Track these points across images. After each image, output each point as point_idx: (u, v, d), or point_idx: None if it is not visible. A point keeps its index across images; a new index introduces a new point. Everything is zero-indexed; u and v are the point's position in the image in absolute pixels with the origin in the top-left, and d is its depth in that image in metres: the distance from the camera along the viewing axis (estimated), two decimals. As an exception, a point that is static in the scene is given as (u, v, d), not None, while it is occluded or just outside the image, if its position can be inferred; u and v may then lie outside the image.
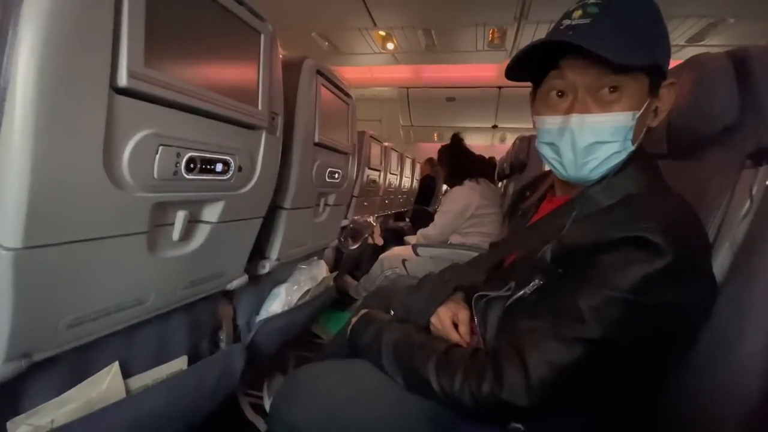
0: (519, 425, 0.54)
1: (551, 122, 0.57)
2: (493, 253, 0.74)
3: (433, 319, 0.69)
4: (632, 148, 0.55)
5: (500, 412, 0.51)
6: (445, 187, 5.36)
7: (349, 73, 4.56)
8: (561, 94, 0.56)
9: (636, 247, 0.46)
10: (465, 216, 1.91)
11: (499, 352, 0.52)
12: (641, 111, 0.53)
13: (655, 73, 0.53)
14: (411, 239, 1.96)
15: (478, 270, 0.75)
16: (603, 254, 0.48)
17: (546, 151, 0.60)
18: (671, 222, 0.47)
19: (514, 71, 0.59)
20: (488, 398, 0.49)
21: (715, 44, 2.89)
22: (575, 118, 0.54)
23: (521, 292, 0.56)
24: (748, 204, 0.58)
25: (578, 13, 0.52)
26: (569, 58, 0.53)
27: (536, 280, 0.55)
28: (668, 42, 0.54)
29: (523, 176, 2.17)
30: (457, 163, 2.06)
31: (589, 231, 0.51)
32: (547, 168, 0.67)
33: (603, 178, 0.56)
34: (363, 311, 0.75)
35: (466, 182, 1.98)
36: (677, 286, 0.46)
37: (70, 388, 0.54)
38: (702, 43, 2.90)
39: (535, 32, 2.96)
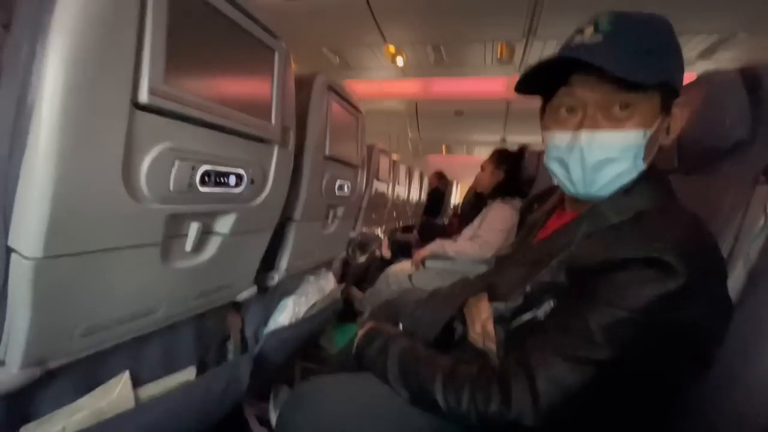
0: None
1: (560, 138, 0.56)
2: (501, 268, 0.74)
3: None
4: (644, 166, 0.55)
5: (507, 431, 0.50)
6: (453, 199, 5.38)
7: (358, 86, 4.62)
8: (571, 110, 0.56)
9: (648, 267, 0.45)
10: (511, 237, 1.79)
11: (507, 370, 0.51)
12: (653, 129, 0.52)
13: (668, 91, 0.53)
14: (422, 252, 1.90)
15: (486, 284, 0.75)
16: (614, 274, 0.47)
17: (555, 168, 0.59)
18: (684, 242, 0.46)
19: (523, 86, 0.59)
20: (495, 418, 0.48)
21: (726, 59, 2.88)
22: (585, 135, 0.53)
23: (532, 314, 0.55)
24: (762, 221, 0.57)
25: (590, 30, 0.52)
26: (580, 74, 0.53)
27: (549, 302, 0.54)
28: (681, 60, 0.54)
29: (531, 191, 2.15)
30: (516, 176, 1.91)
31: (600, 249, 0.51)
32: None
33: (614, 195, 0.56)
34: (369, 324, 0.74)
35: (514, 201, 1.84)
36: (690, 307, 0.45)
37: (81, 396, 0.55)
38: (712, 58, 2.89)
39: (543, 48, 2.99)
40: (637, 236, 0.49)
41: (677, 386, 0.53)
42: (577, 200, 0.62)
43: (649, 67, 0.48)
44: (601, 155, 0.53)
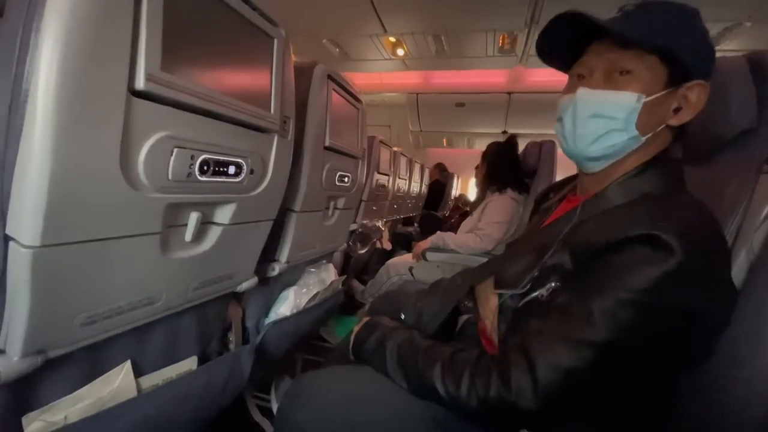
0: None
1: (563, 99, 0.60)
2: (509, 255, 0.74)
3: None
4: (636, 133, 0.54)
5: (508, 416, 0.50)
6: (454, 191, 5.37)
7: (359, 79, 4.59)
8: (580, 77, 0.58)
9: (649, 246, 0.45)
10: (511, 228, 1.82)
11: (506, 355, 0.51)
12: (651, 97, 0.53)
13: (678, 68, 0.53)
14: (422, 245, 1.90)
15: (490, 273, 0.75)
16: (616, 254, 0.47)
17: (556, 127, 0.62)
18: (687, 223, 0.46)
19: (548, 56, 0.62)
20: (496, 403, 0.49)
21: (731, 49, 2.85)
22: (581, 91, 0.56)
23: (536, 294, 0.55)
24: (766, 211, 0.56)
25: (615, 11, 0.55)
26: (594, 45, 0.56)
27: (553, 283, 0.54)
28: (705, 46, 0.54)
29: (533, 182, 2.14)
30: (507, 167, 1.94)
31: (604, 229, 0.51)
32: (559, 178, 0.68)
33: (621, 178, 0.57)
34: (365, 318, 0.74)
35: (509, 191, 1.86)
36: (691, 288, 0.45)
37: (83, 385, 0.55)
38: (718, 47, 2.84)
39: (545, 38, 2.95)
40: (641, 216, 0.49)
41: (678, 371, 0.53)
42: (588, 184, 0.62)
43: (658, 35, 0.50)
44: (592, 110, 0.55)
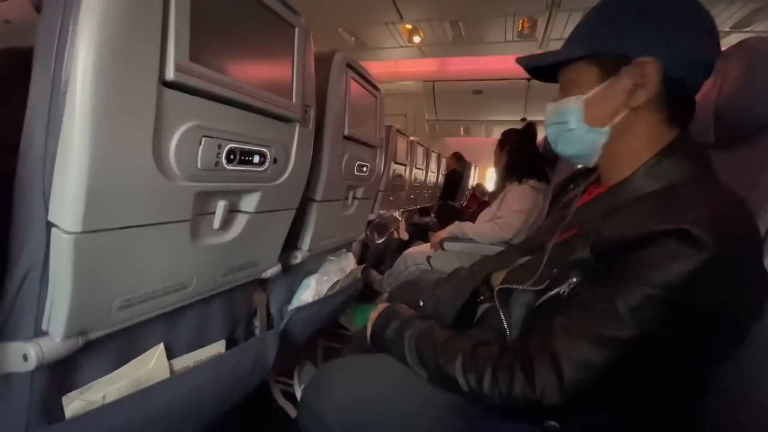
0: (553, 423, 0.53)
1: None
2: (527, 245, 0.73)
3: None
4: (587, 127, 0.59)
5: (532, 412, 0.50)
6: (471, 181, 5.31)
7: (374, 67, 4.51)
8: None
9: (678, 241, 0.43)
10: (531, 217, 1.78)
11: (529, 351, 0.50)
12: (589, 93, 0.57)
13: (608, 58, 0.55)
14: (441, 234, 1.89)
15: (509, 262, 0.74)
16: (644, 249, 0.46)
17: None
18: (718, 215, 0.44)
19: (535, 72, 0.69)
20: (519, 400, 0.48)
21: (762, 30, 2.70)
22: (548, 106, 0.66)
23: (556, 290, 0.54)
24: (804, 195, 0.54)
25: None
26: None
27: (573, 278, 0.53)
28: (636, 24, 0.54)
29: (554, 170, 2.10)
30: (527, 159, 1.88)
31: (630, 222, 0.49)
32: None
33: (643, 167, 0.55)
34: (383, 305, 0.73)
35: (530, 181, 1.82)
36: (722, 283, 0.43)
37: (119, 366, 0.57)
38: (748, 29, 2.71)
39: (567, 21, 2.85)
40: (668, 208, 0.47)
41: (707, 365, 0.52)
42: (609, 175, 0.61)
43: (574, 46, 0.59)
44: (551, 119, 0.65)
